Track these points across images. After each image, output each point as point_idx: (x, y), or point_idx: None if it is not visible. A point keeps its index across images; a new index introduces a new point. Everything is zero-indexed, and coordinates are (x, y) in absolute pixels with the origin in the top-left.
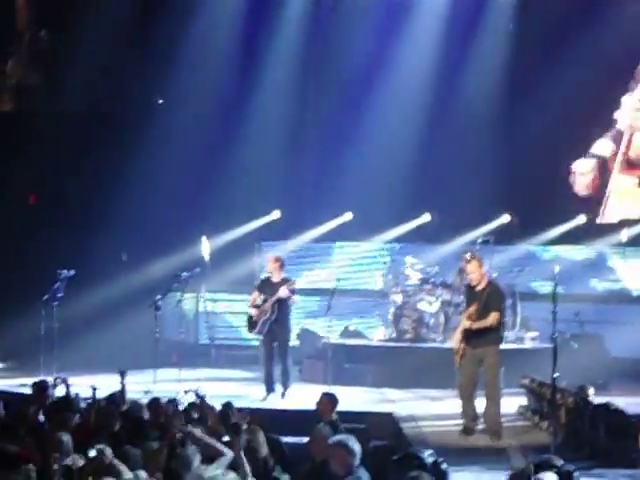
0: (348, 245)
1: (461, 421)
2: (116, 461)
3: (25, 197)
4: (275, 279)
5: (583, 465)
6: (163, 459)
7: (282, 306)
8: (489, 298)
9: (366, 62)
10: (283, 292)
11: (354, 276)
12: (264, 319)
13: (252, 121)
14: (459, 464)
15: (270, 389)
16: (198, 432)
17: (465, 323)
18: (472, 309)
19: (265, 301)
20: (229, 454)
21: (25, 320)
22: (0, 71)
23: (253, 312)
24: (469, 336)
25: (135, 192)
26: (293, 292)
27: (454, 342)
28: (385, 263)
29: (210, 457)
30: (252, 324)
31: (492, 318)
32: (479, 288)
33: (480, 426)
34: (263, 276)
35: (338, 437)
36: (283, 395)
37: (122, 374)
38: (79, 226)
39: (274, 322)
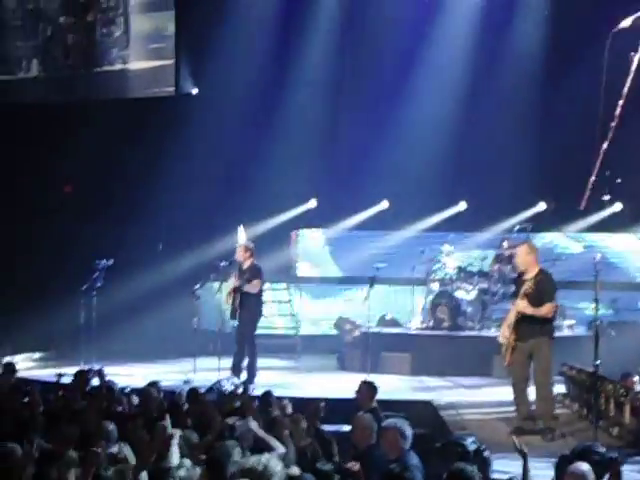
0: (385, 233)
1: (501, 409)
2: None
3: (60, 187)
4: (244, 267)
5: (626, 453)
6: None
7: (246, 296)
8: (541, 287)
9: (402, 49)
10: (247, 288)
11: (392, 264)
12: (233, 308)
13: (288, 109)
14: (500, 451)
15: (237, 375)
16: (254, 425)
17: (520, 305)
18: (521, 298)
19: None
20: (280, 449)
21: (64, 310)
22: None
23: (230, 298)
24: (519, 328)
25: (171, 181)
26: (252, 280)
27: (502, 337)
28: (422, 252)
29: (261, 450)
30: (234, 311)
31: (546, 308)
32: (528, 276)
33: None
34: (224, 263)
35: (391, 420)
36: (247, 384)
37: (100, 372)
38: (115, 216)
39: (241, 310)
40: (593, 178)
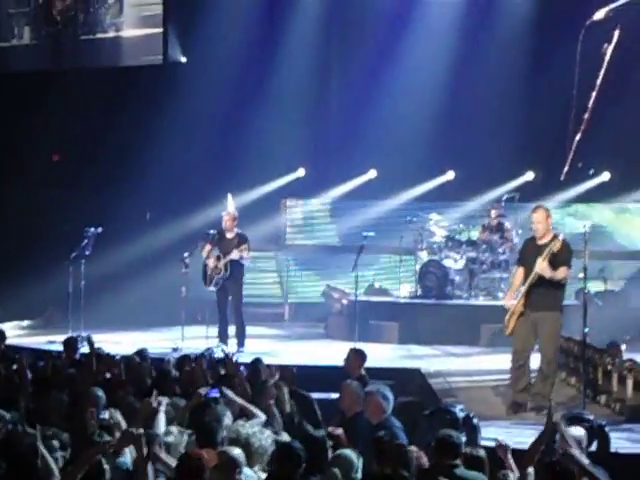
0: (373, 202)
1: (489, 377)
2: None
3: (49, 156)
4: (229, 235)
5: (613, 420)
6: (186, 415)
7: (235, 265)
8: (559, 251)
9: (391, 19)
10: (235, 255)
11: (379, 233)
12: (218, 277)
13: (276, 77)
14: (489, 419)
15: (224, 342)
16: (231, 393)
17: (542, 265)
18: (543, 259)
19: (218, 258)
20: (262, 416)
21: (53, 278)
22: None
23: (210, 262)
24: (530, 296)
25: (160, 150)
26: (244, 252)
27: (507, 302)
28: (409, 221)
29: (243, 417)
30: (208, 278)
31: (563, 272)
32: (544, 241)
33: (530, 403)
34: (213, 231)
35: (373, 386)
36: (238, 351)
37: (88, 339)
38: (104, 185)
39: (227, 280)
40: (572, 150)
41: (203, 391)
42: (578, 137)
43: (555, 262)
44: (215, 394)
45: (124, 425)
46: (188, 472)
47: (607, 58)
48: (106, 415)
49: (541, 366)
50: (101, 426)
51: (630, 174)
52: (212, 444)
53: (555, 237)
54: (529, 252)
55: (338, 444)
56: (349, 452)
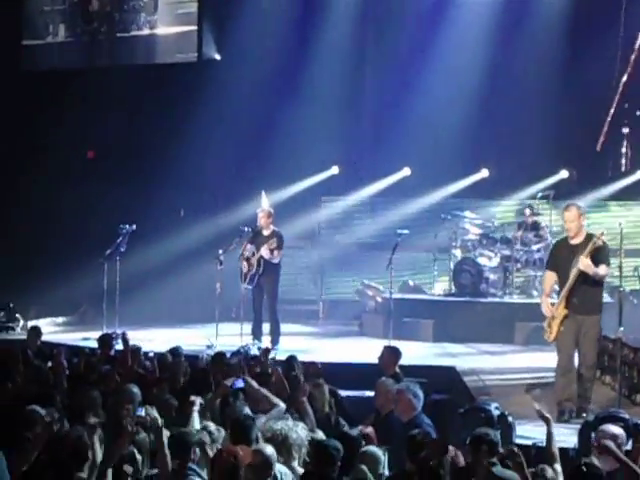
0: (407, 200)
1: (524, 375)
2: None
3: (83, 153)
4: (265, 232)
5: None
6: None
7: (268, 262)
8: (599, 248)
9: (426, 16)
10: (264, 252)
11: (413, 231)
12: (252, 273)
13: (310, 75)
14: (524, 417)
15: (258, 340)
16: (255, 384)
17: (585, 262)
18: (586, 256)
19: (253, 254)
20: (282, 405)
21: (88, 275)
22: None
23: (244, 264)
24: (571, 299)
25: (194, 147)
26: (275, 250)
27: (546, 309)
28: (444, 218)
29: (262, 409)
30: (243, 276)
31: (604, 269)
32: (577, 241)
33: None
34: (247, 229)
35: (402, 383)
36: (273, 349)
37: (123, 336)
38: (138, 182)
39: (262, 276)
40: (612, 111)
41: (229, 382)
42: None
43: (596, 260)
44: (240, 385)
45: (160, 422)
46: (223, 469)
47: None
48: (142, 412)
49: (580, 370)
50: (137, 423)
51: None
52: (246, 441)
53: (590, 236)
54: (562, 255)
55: (368, 442)
56: (375, 449)
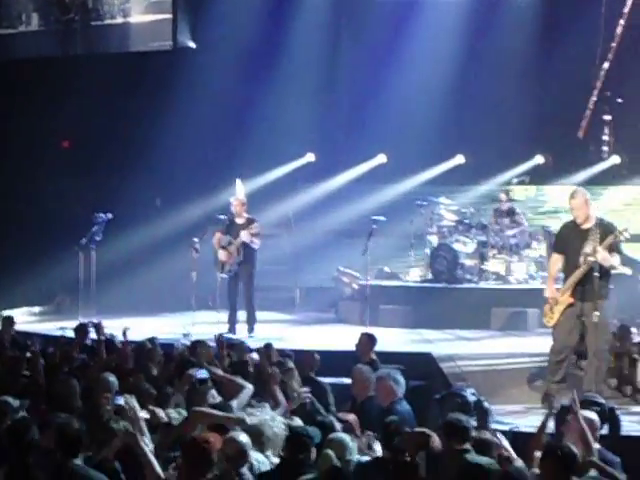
0: (383, 187)
1: (500, 361)
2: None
3: (58, 142)
4: (239, 221)
5: (624, 403)
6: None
7: (247, 248)
8: (606, 237)
9: (402, 2)
10: (245, 237)
11: (389, 218)
12: (231, 261)
13: (286, 64)
14: (500, 403)
15: (232, 329)
16: (219, 372)
17: (602, 255)
18: (588, 249)
19: (230, 243)
20: (249, 387)
21: (64, 264)
22: None
23: (220, 253)
24: (580, 286)
25: (169, 136)
26: (255, 236)
27: (551, 293)
28: (420, 205)
29: (231, 394)
30: (220, 265)
31: (618, 260)
32: (587, 225)
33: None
34: (223, 216)
35: (383, 370)
36: (249, 337)
37: (98, 326)
38: (114, 170)
39: (240, 264)
40: (594, 99)
41: (192, 372)
42: (594, 97)
43: (610, 249)
44: (204, 375)
45: (139, 411)
46: (194, 456)
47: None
48: (121, 401)
49: (590, 357)
50: (116, 411)
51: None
52: (221, 429)
53: (600, 222)
54: (572, 238)
55: (348, 430)
56: (343, 435)
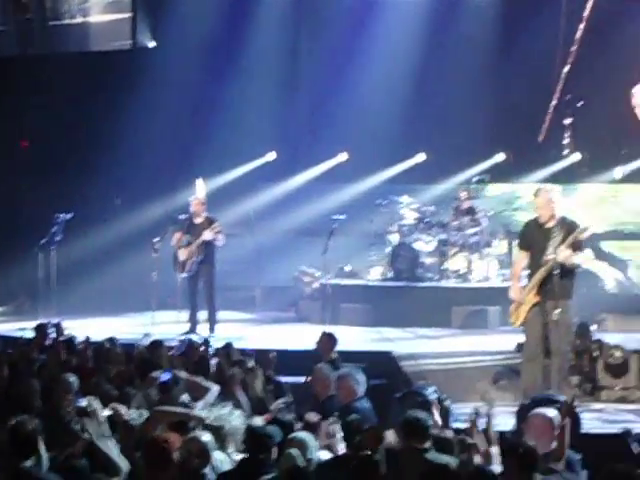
0: (344, 185)
1: (461, 359)
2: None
3: (16, 142)
4: (198, 220)
5: (584, 400)
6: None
7: (208, 247)
8: (568, 235)
9: (359, 1)
10: (208, 235)
11: (350, 216)
12: (191, 260)
13: (246, 62)
14: (461, 401)
15: (193, 329)
16: (183, 374)
17: (565, 254)
18: (550, 248)
19: (189, 243)
20: (214, 388)
21: (23, 264)
22: None
23: (180, 253)
24: (545, 285)
25: (129, 135)
26: (218, 233)
27: (515, 293)
28: (380, 204)
29: (198, 395)
30: (180, 265)
31: (581, 258)
32: (550, 225)
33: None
34: (183, 216)
35: (344, 369)
36: (209, 336)
37: (57, 326)
38: (73, 170)
39: (200, 263)
40: (554, 102)
41: (156, 375)
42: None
43: (574, 248)
44: (167, 377)
45: (101, 412)
46: (154, 457)
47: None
48: (84, 403)
49: (553, 357)
50: (78, 412)
51: (600, 155)
52: (181, 429)
53: (563, 220)
54: (535, 236)
55: (311, 430)
56: (303, 434)
